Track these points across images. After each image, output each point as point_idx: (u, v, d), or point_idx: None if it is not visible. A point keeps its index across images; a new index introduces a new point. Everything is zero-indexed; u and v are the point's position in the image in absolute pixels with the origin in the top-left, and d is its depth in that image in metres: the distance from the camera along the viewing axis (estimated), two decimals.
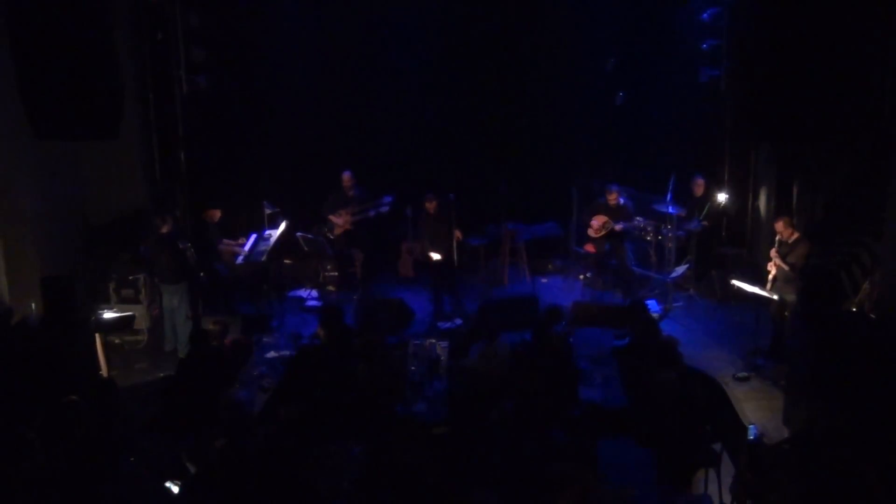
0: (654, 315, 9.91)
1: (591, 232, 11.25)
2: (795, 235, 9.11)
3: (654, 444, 6.54)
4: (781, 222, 9.17)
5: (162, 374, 9.07)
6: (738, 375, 8.86)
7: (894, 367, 6.71)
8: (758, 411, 8.15)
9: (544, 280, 12.16)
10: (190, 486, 5.72)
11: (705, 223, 11.06)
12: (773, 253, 9.16)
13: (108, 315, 9.23)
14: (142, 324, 9.98)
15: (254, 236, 10.69)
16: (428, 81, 12.29)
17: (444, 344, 8.64)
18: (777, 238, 9.17)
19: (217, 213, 10.80)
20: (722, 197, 11.08)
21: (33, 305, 8.55)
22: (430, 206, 10.76)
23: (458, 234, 10.81)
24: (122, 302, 9.96)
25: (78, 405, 6.25)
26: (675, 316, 10.60)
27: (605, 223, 11.08)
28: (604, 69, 11.89)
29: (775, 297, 9.01)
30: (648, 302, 10.18)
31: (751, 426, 6.91)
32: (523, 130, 12.55)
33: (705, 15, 10.98)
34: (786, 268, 8.96)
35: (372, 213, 11.35)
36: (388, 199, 11.34)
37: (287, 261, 12.15)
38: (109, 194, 10.58)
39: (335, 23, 12.02)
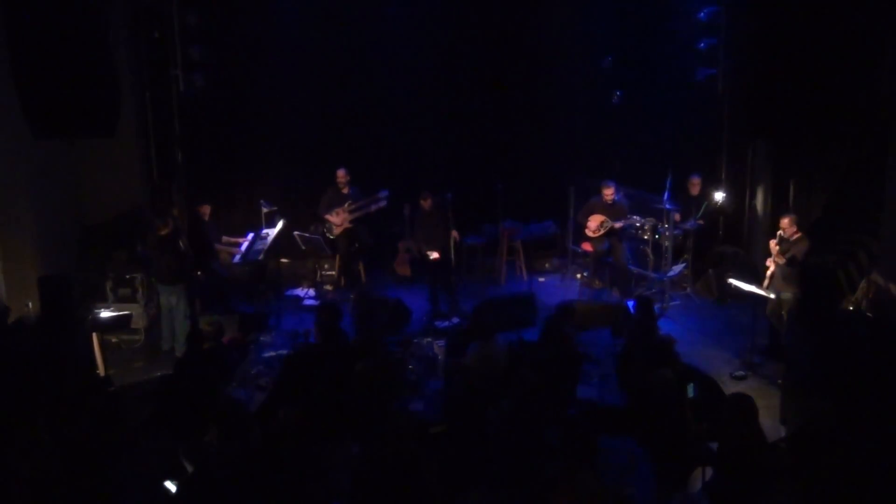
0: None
1: (588, 232, 11.25)
2: (798, 234, 9.09)
3: (650, 443, 6.54)
4: (788, 219, 9.11)
5: (159, 374, 9.05)
6: (735, 374, 8.87)
7: (891, 366, 6.72)
8: None
9: (541, 279, 12.15)
10: (187, 485, 5.71)
11: (702, 222, 11.08)
12: (772, 244, 9.13)
13: (105, 314, 9.20)
14: (139, 323, 9.95)
15: (251, 235, 10.70)
16: (424, 80, 12.27)
17: (442, 343, 8.64)
18: (778, 233, 9.13)
19: (207, 210, 10.78)
20: (719, 195, 11.10)
21: (30, 304, 8.53)
22: (426, 203, 10.75)
23: (455, 234, 10.79)
24: (119, 301, 9.91)
25: (76, 404, 6.24)
26: (672, 315, 10.61)
27: (602, 222, 11.08)
28: (601, 68, 11.90)
29: (772, 295, 9.01)
30: None
31: (689, 384, 6.71)
32: (520, 129, 12.55)
33: (702, 14, 10.99)
34: (781, 261, 8.93)
35: (373, 208, 11.34)
36: (384, 193, 11.33)
37: (284, 260, 12.15)
38: (106, 193, 10.57)
39: (331, 20, 11.99)
